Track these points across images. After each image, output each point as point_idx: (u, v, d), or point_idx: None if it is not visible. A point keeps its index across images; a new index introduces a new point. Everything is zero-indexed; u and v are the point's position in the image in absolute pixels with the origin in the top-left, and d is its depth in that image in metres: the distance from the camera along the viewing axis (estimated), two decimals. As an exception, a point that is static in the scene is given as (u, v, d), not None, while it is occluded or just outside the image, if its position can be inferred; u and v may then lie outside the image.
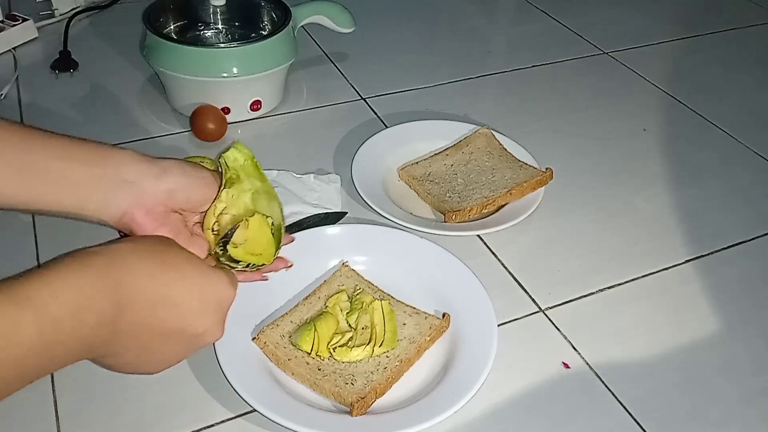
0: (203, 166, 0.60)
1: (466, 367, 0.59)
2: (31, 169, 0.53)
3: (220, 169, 0.60)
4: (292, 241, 0.65)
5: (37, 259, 0.69)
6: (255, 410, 0.55)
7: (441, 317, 0.64)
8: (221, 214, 0.59)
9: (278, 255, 0.61)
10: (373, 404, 0.57)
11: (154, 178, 0.56)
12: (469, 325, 0.63)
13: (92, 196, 0.55)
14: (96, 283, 0.45)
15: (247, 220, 0.57)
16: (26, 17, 1.04)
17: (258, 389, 0.56)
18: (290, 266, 0.65)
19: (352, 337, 0.61)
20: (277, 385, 0.58)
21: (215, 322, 0.53)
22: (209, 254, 0.60)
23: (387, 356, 0.60)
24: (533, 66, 1.08)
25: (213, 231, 0.58)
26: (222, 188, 0.59)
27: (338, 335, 0.61)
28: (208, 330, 0.52)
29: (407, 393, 0.59)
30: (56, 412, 0.56)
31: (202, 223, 0.60)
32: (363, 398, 0.56)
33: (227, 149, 0.60)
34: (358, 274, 0.68)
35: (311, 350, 0.60)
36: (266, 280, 0.63)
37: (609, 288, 0.71)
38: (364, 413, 0.56)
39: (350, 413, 0.56)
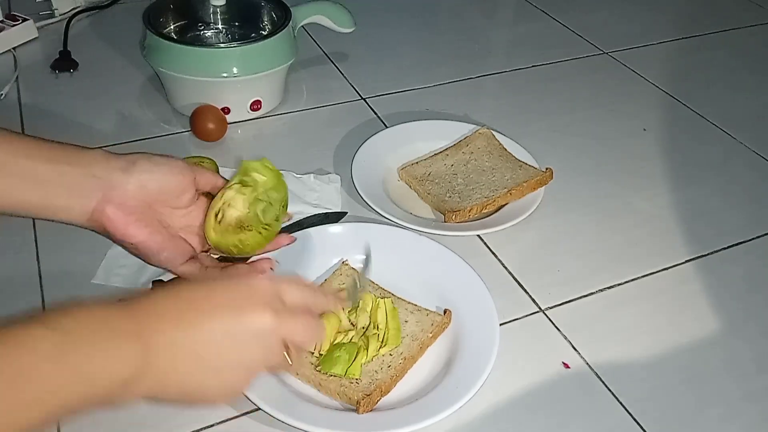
0: (174, 157, 0.60)
1: (469, 362, 0.60)
2: None
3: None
4: (293, 240, 0.65)
5: (38, 259, 0.69)
6: (260, 408, 0.55)
7: (442, 314, 0.64)
8: (228, 206, 0.59)
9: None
10: (378, 401, 0.58)
11: (122, 171, 0.56)
12: (470, 321, 0.63)
13: (59, 192, 0.54)
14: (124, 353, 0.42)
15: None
16: (26, 17, 1.04)
17: (262, 387, 0.56)
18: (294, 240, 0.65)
19: (354, 339, 0.61)
20: (281, 384, 0.58)
21: (253, 308, 0.47)
22: (204, 250, 0.61)
23: (391, 354, 0.60)
24: (533, 66, 1.08)
25: (216, 218, 0.59)
26: (231, 183, 0.60)
27: (341, 334, 0.61)
28: (247, 318, 0.47)
29: (411, 390, 0.59)
30: (56, 412, 0.56)
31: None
32: (369, 395, 0.56)
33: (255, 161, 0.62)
34: (358, 273, 0.68)
35: (315, 349, 0.60)
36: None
37: (609, 288, 0.71)
38: (370, 411, 0.56)
39: (356, 411, 0.56)
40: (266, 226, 0.60)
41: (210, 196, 0.61)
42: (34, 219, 0.71)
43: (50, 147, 0.55)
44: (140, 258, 0.60)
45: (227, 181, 0.62)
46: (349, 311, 0.63)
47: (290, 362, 0.49)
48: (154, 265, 0.61)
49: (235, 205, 0.60)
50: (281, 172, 0.63)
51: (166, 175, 0.58)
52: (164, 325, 0.44)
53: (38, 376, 0.38)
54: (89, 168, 0.55)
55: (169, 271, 0.62)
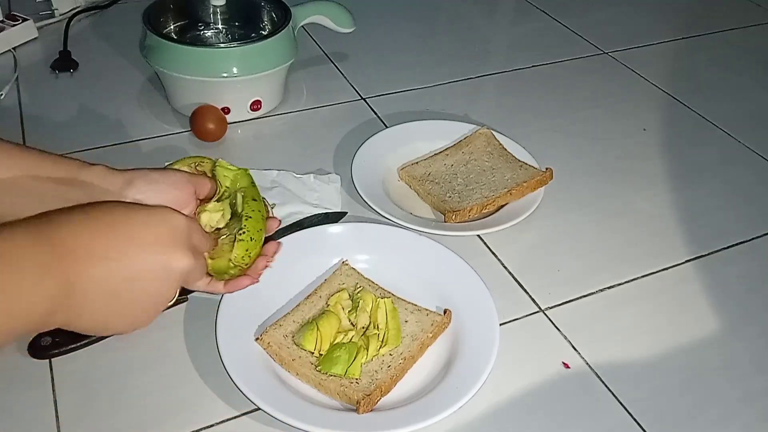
0: (173, 169, 0.61)
1: (469, 362, 0.60)
2: (1, 185, 0.54)
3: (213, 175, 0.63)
4: (279, 246, 0.65)
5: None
6: (259, 408, 0.55)
7: (442, 314, 0.64)
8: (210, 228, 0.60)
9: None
10: (378, 401, 0.58)
11: (118, 192, 0.57)
12: (470, 321, 0.63)
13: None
14: (39, 268, 0.43)
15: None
16: (26, 17, 1.04)
17: (262, 387, 0.56)
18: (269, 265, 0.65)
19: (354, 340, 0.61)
20: (281, 384, 0.58)
21: (177, 250, 0.50)
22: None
23: (391, 354, 0.60)
24: (533, 66, 1.08)
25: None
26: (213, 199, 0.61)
27: (341, 333, 0.61)
28: (172, 259, 0.49)
29: (411, 390, 0.59)
30: (56, 412, 0.56)
31: None
32: (369, 395, 0.56)
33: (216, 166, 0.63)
34: (358, 273, 0.68)
35: (314, 349, 0.60)
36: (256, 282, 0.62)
37: (609, 288, 0.71)
38: (370, 411, 0.56)
39: (356, 411, 0.56)
40: (248, 225, 0.59)
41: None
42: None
43: (53, 164, 0.56)
44: None
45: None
46: (349, 311, 0.63)
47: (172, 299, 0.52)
48: None
49: (214, 223, 0.60)
50: (249, 168, 0.65)
51: (163, 193, 0.58)
52: (89, 261, 0.45)
53: None
54: (88, 188, 0.56)
55: None
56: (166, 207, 0.52)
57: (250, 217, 0.59)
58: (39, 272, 0.42)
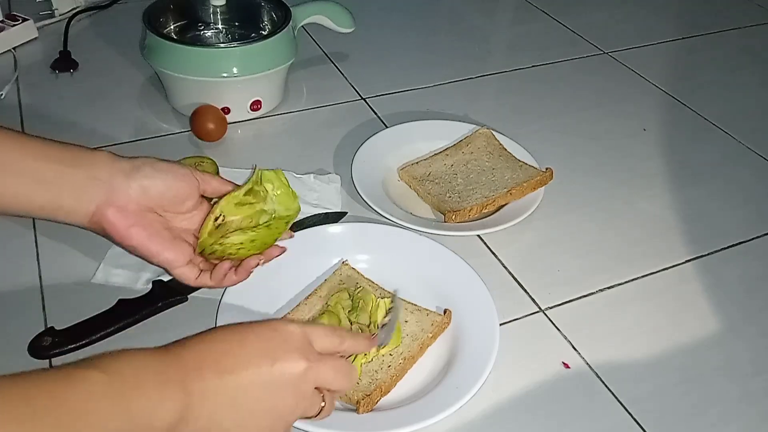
0: (179, 163, 0.61)
1: (469, 362, 0.60)
2: (5, 168, 0.54)
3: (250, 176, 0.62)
4: (283, 251, 0.65)
5: (38, 259, 0.69)
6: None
7: (442, 314, 0.64)
8: (230, 211, 0.59)
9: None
10: (378, 401, 0.58)
11: (125, 176, 0.57)
12: (470, 321, 0.63)
13: (64, 194, 0.55)
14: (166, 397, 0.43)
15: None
16: (26, 17, 1.04)
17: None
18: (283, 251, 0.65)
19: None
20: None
21: (288, 355, 0.48)
22: (198, 252, 0.61)
23: (391, 354, 0.60)
24: (533, 66, 1.08)
25: (215, 221, 0.59)
26: (241, 190, 0.60)
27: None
28: (284, 364, 0.47)
29: (411, 390, 0.59)
30: (56, 412, 0.56)
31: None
32: (369, 395, 0.56)
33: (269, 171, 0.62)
34: (358, 273, 0.68)
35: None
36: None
37: (609, 288, 0.71)
38: (370, 410, 0.56)
39: (356, 411, 0.56)
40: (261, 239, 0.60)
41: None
42: (34, 219, 0.71)
43: (57, 148, 0.56)
44: (141, 258, 0.60)
45: (236, 186, 0.62)
46: (349, 311, 0.63)
47: (323, 407, 0.50)
48: (155, 265, 0.61)
49: (238, 212, 0.60)
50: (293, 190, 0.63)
51: (169, 182, 0.58)
52: (205, 374, 0.45)
53: (91, 416, 0.39)
54: (93, 170, 0.56)
55: (167, 272, 0.62)
56: (281, 320, 0.52)
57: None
58: (162, 381, 0.43)
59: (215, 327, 0.49)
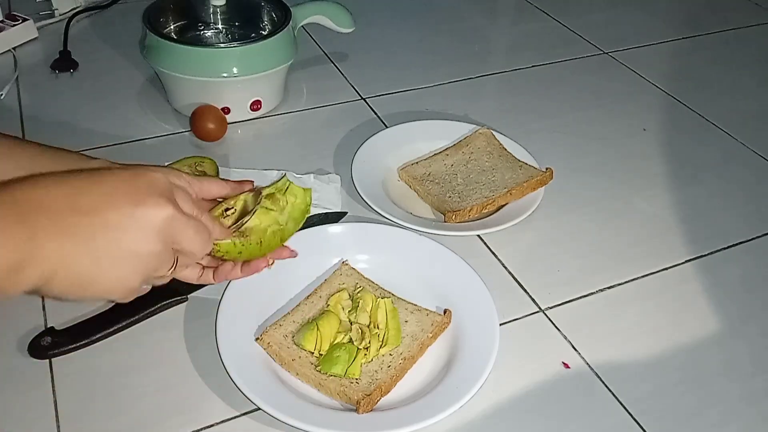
0: (172, 169, 0.60)
1: (469, 362, 0.60)
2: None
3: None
4: (294, 255, 0.64)
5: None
6: (259, 408, 0.55)
7: (442, 314, 0.64)
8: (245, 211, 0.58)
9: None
10: (378, 401, 0.58)
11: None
12: (470, 321, 0.63)
13: None
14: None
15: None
16: (26, 17, 1.04)
17: (262, 387, 0.56)
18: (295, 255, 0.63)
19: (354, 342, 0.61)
20: (281, 384, 0.58)
21: (153, 197, 0.46)
22: None
23: (391, 354, 0.60)
24: (533, 66, 1.08)
25: (228, 209, 0.58)
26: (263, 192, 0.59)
27: (341, 333, 0.61)
28: (148, 205, 0.45)
29: (411, 390, 0.59)
30: (56, 412, 0.56)
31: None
32: (369, 395, 0.56)
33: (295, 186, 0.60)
34: (358, 273, 0.68)
35: (314, 349, 0.60)
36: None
37: (609, 288, 0.71)
38: (370, 411, 0.56)
39: (356, 411, 0.56)
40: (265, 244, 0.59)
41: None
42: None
43: (53, 158, 0.56)
44: None
45: (241, 184, 0.61)
46: (349, 311, 0.64)
47: (172, 268, 0.48)
48: None
49: (254, 214, 0.59)
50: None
51: None
52: (54, 209, 0.42)
53: None
54: None
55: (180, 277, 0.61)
56: (146, 165, 0.49)
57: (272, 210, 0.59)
58: None
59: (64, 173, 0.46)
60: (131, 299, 0.48)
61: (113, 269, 0.44)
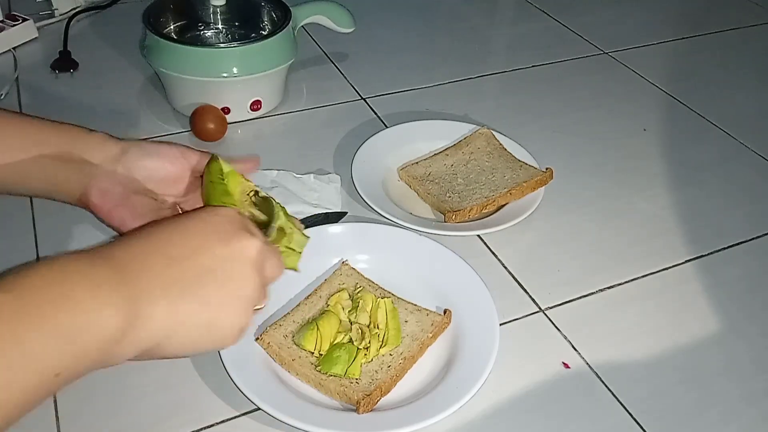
0: (168, 142, 0.60)
1: (469, 362, 0.60)
2: (5, 153, 0.55)
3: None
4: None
5: (37, 257, 0.69)
6: (259, 408, 0.55)
7: (442, 314, 0.64)
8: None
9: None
10: (378, 401, 0.58)
11: (112, 159, 0.58)
12: (470, 321, 0.63)
13: (58, 178, 0.57)
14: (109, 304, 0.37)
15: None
16: (26, 17, 1.04)
17: (262, 387, 0.56)
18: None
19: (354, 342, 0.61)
20: (281, 384, 0.58)
21: (240, 232, 0.44)
22: None
23: (391, 354, 0.60)
24: (533, 66, 1.08)
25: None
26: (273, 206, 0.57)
27: (341, 333, 0.61)
28: (241, 239, 0.44)
29: (411, 390, 0.59)
30: (56, 412, 0.56)
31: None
32: (369, 395, 0.56)
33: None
34: (358, 273, 0.68)
35: (314, 349, 0.60)
36: None
37: (609, 288, 0.71)
38: (370, 411, 0.56)
39: (356, 411, 0.56)
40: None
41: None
42: (34, 215, 0.72)
43: (55, 133, 0.57)
44: None
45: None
46: (349, 311, 0.63)
47: (266, 299, 0.48)
48: None
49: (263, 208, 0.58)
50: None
51: (155, 163, 0.58)
52: (154, 265, 0.39)
53: (9, 339, 0.33)
54: (85, 154, 0.57)
55: None
56: (210, 206, 0.49)
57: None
58: (93, 286, 0.37)
59: (146, 228, 0.43)
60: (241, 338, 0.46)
61: (227, 312, 0.43)
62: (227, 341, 0.44)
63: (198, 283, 0.41)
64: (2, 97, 0.91)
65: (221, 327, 0.42)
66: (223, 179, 0.54)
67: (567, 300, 0.70)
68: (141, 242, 0.41)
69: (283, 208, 0.57)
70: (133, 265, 0.39)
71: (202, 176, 0.60)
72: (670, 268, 0.74)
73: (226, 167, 0.54)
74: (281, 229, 0.56)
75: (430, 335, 0.62)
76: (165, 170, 0.59)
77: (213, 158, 0.55)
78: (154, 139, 0.87)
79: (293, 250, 0.57)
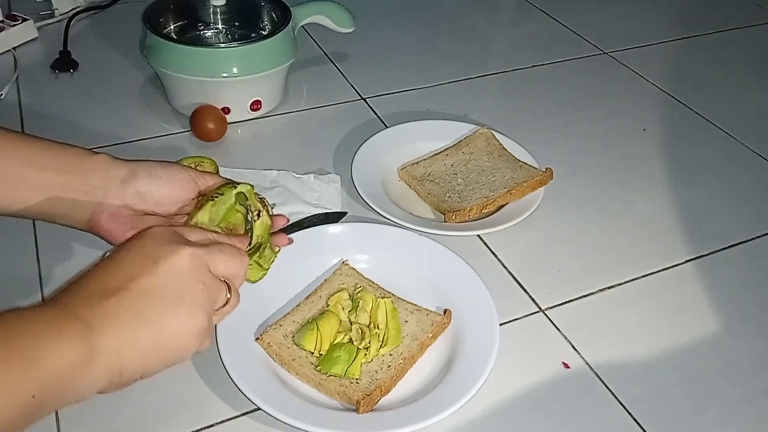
0: (179, 166, 0.60)
1: (469, 362, 0.60)
2: (5, 177, 0.54)
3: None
4: (290, 242, 0.65)
5: (38, 260, 0.69)
6: (259, 408, 0.55)
7: (442, 314, 0.64)
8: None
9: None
10: (378, 401, 0.58)
11: (120, 183, 0.57)
12: (470, 321, 0.63)
13: (61, 202, 0.56)
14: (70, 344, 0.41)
15: None
16: (26, 17, 1.04)
17: (262, 387, 0.56)
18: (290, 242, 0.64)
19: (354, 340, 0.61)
20: (281, 384, 0.58)
21: (171, 243, 0.46)
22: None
23: (391, 354, 0.60)
24: (533, 66, 1.08)
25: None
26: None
27: (341, 333, 0.61)
28: (168, 256, 0.46)
29: (411, 390, 0.59)
30: (56, 411, 0.56)
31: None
32: (369, 395, 0.56)
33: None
34: (358, 273, 0.68)
35: (314, 349, 0.60)
36: None
37: (609, 288, 0.71)
38: (370, 411, 0.56)
39: (356, 411, 0.56)
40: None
41: None
42: (34, 220, 0.71)
43: (56, 154, 0.56)
44: None
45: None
46: (349, 311, 0.63)
47: (230, 295, 0.49)
48: None
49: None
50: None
51: (166, 189, 0.58)
52: (93, 301, 0.43)
53: None
54: (89, 177, 0.57)
55: None
56: (148, 228, 0.49)
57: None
58: (51, 320, 0.41)
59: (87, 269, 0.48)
60: (210, 341, 0.49)
61: (172, 325, 0.45)
62: (187, 348, 0.47)
63: (136, 307, 0.43)
64: (2, 97, 0.91)
65: (171, 339, 0.45)
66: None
67: (567, 300, 0.70)
68: (82, 282, 0.45)
69: (269, 216, 0.58)
70: (79, 303, 0.42)
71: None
72: (670, 268, 0.74)
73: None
74: (257, 244, 0.57)
75: (430, 335, 0.62)
76: (174, 195, 0.59)
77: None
78: (155, 139, 0.87)
79: (260, 265, 0.57)
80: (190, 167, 0.62)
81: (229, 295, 0.50)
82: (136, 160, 0.59)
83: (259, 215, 0.59)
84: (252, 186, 0.60)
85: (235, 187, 0.59)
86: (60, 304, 0.43)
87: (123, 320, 0.43)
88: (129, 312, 0.43)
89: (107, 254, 0.49)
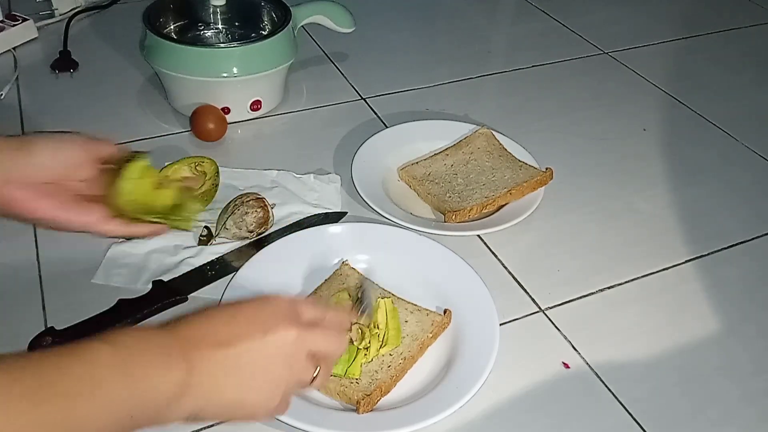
0: (75, 133, 0.61)
1: (469, 362, 0.60)
2: None
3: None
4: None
5: (38, 259, 0.69)
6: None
7: (442, 314, 0.64)
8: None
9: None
10: (378, 401, 0.58)
11: (16, 151, 0.57)
12: (470, 321, 0.63)
13: None
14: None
15: None
16: (26, 17, 1.04)
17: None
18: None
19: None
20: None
21: (280, 324, 0.49)
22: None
23: (391, 354, 0.60)
24: (533, 66, 1.08)
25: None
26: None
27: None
28: (277, 331, 0.49)
29: (411, 390, 0.59)
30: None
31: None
32: (369, 395, 0.56)
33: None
34: (358, 273, 0.68)
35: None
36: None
37: (609, 288, 0.71)
38: (370, 411, 0.56)
39: (356, 411, 0.56)
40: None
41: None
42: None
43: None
44: (59, 229, 0.61)
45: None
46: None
47: (316, 375, 0.51)
48: (76, 231, 0.61)
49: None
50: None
51: (61, 150, 0.59)
52: (203, 346, 0.46)
53: (97, 384, 0.40)
54: None
55: (95, 233, 0.62)
56: (270, 294, 0.52)
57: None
58: (165, 353, 0.44)
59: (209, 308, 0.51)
60: (286, 409, 0.52)
61: (254, 394, 0.48)
62: (256, 417, 0.52)
63: (236, 366, 0.47)
64: (2, 97, 0.91)
65: (250, 406, 0.48)
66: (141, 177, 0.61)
67: (567, 300, 0.70)
68: (200, 324, 0.48)
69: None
70: (191, 342, 0.46)
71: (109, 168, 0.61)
72: (670, 268, 0.74)
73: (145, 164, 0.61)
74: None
75: (430, 335, 0.62)
76: (73, 156, 0.59)
77: (135, 157, 0.60)
78: (155, 139, 0.87)
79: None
80: (78, 133, 0.62)
81: (317, 371, 0.51)
82: (27, 135, 0.60)
83: None
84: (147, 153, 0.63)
85: (135, 159, 0.61)
86: (174, 334, 0.46)
87: (219, 373, 0.46)
88: (225, 368, 0.46)
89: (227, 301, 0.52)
